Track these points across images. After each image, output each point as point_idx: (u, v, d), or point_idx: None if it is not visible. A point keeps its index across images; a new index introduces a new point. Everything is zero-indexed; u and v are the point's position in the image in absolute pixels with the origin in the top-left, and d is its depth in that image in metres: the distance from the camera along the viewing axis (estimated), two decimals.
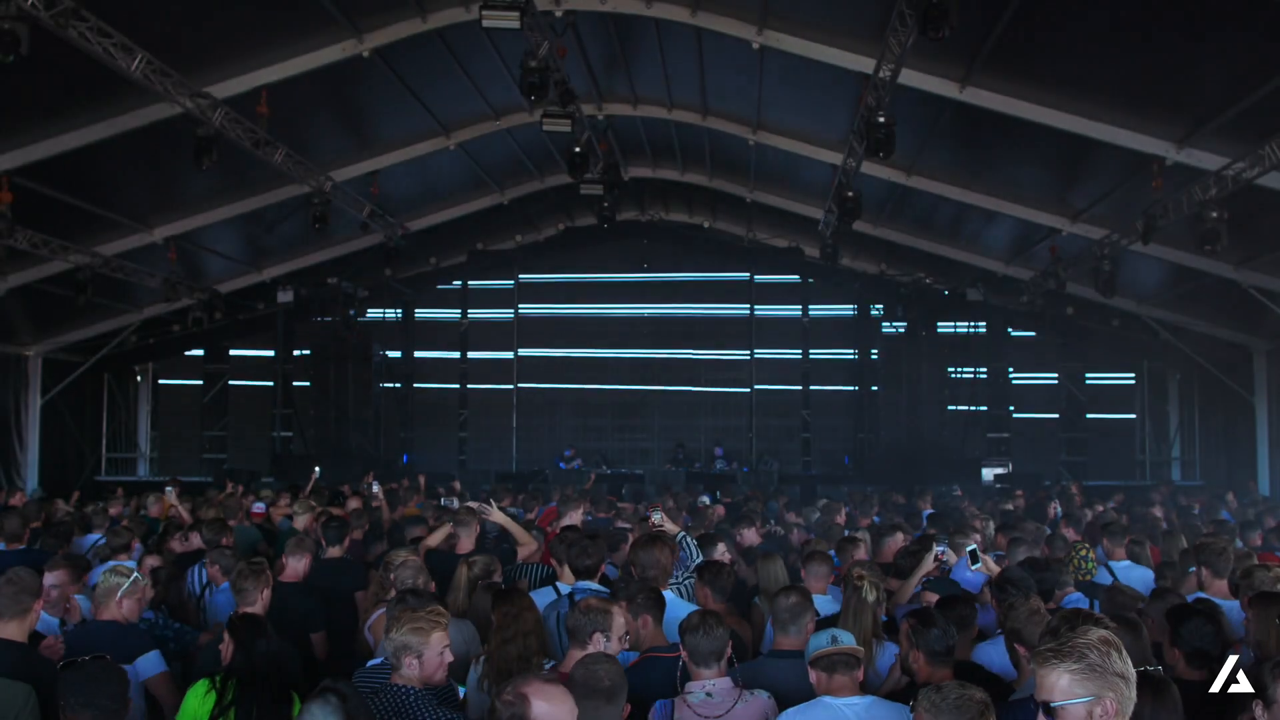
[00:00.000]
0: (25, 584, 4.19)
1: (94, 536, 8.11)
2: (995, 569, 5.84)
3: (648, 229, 20.67)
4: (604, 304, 21.47)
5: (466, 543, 6.69)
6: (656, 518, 5.86)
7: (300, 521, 8.09)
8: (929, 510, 10.97)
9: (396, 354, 21.43)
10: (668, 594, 4.76)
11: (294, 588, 5.86)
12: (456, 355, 21.68)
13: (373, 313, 20.87)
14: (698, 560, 5.64)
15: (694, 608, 4.40)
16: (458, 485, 13.01)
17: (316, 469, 12.39)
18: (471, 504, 7.20)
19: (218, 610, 6.02)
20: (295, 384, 19.63)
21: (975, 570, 5.91)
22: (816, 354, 20.87)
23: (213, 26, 10.95)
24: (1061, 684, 2.38)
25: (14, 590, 4.14)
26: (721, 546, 6.42)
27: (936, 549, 5.81)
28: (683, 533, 5.95)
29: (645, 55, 13.40)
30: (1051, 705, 2.38)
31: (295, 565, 5.98)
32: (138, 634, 4.82)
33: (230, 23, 10.99)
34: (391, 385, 21.23)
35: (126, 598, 4.76)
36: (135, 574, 4.94)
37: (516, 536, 6.70)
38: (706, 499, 11.71)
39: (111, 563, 6.25)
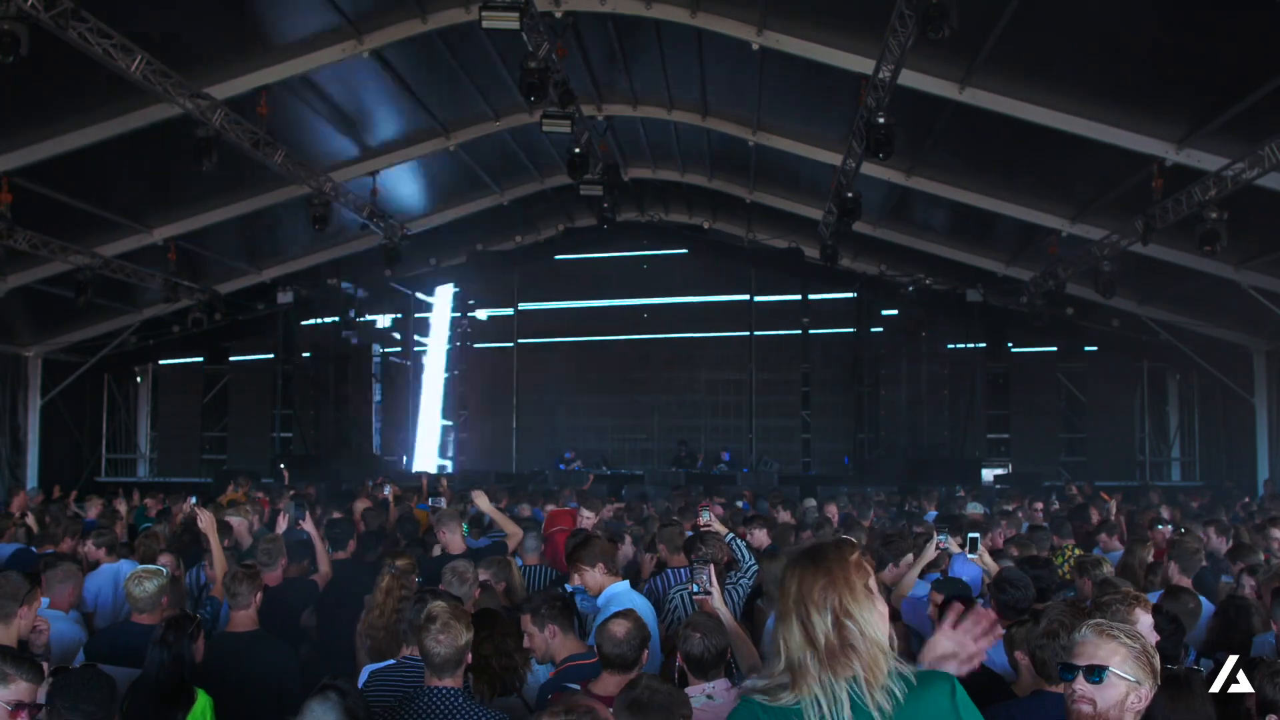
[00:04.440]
0: (12, 589, 4.18)
1: None
2: (994, 566, 5.86)
3: (648, 230, 20.67)
4: (604, 320, 21.61)
5: (458, 543, 6.62)
6: (705, 518, 5.79)
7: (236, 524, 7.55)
8: (933, 513, 10.86)
9: (397, 350, 21.44)
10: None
11: (283, 586, 5.84)
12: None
13: (372, 313, 20.89)
14: (749, 563, 5.52)
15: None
16: (426, 485, 12.79)
17: (283, 465, 12.29)
18: (458, 504, 7.13)
19: (214, 611, 6.00)
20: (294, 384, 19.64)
21: (972, 560, 5.93)
22: (816, 355, 20.88)
23: (213, 26, 10.96)
24: (1115, 659, 2.46)
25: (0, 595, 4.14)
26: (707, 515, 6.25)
27: (938, 538, 5.84)
28: (731, 534, 5.77)
29: (645, 55, 13.39)
30: (1104, 670, 2.44)
31: (271, 574, 5.85)
32: None
33: (230, 23, 11.00)
34: (391, 386, 21.24)
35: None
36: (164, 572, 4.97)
37: (504, 527, 6.71)
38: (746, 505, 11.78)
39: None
